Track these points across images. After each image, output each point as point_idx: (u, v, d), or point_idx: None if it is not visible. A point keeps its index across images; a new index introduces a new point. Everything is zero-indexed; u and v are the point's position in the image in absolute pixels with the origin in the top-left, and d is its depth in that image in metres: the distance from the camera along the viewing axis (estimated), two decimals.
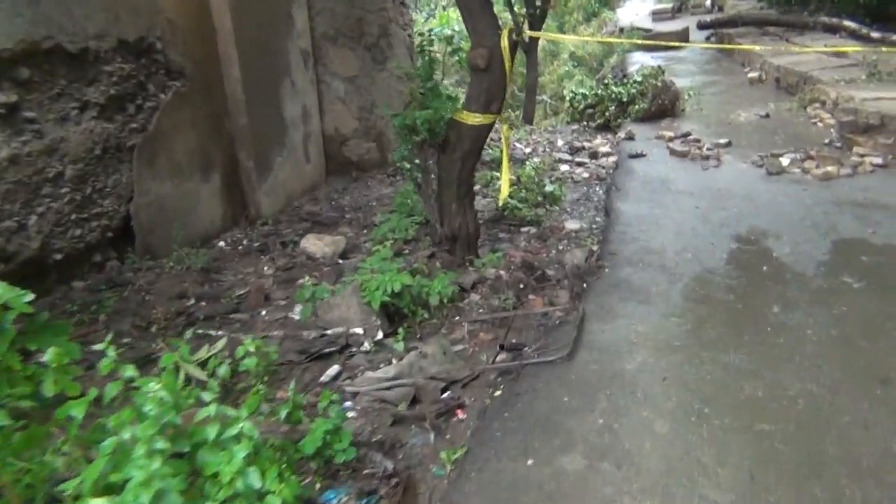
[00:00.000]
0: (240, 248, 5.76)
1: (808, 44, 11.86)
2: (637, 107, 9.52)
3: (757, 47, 10.75)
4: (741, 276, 4.52)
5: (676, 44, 14.13)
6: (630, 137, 8.68)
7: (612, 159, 7.99)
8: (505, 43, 4.52)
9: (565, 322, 4.06)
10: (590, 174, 7.55)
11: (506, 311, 4.32)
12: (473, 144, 4.86)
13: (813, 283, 4.32)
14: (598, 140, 9.11)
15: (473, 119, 4.72)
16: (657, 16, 20.37)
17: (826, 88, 8.50)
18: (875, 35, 11.44)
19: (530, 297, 4.59)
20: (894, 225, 5.12)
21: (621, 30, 18.29)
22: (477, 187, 7.25)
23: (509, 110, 13.06)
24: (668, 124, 9.19)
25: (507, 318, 4.19)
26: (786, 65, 10.29)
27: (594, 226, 5.87)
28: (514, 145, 9.30)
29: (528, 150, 9.02)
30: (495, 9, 4.87)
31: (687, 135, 8.36)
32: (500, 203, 5.37)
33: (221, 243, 5.88)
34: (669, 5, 21.49)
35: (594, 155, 8.25)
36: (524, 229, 5.97)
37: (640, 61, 13.98)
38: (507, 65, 4.60)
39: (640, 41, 13.00)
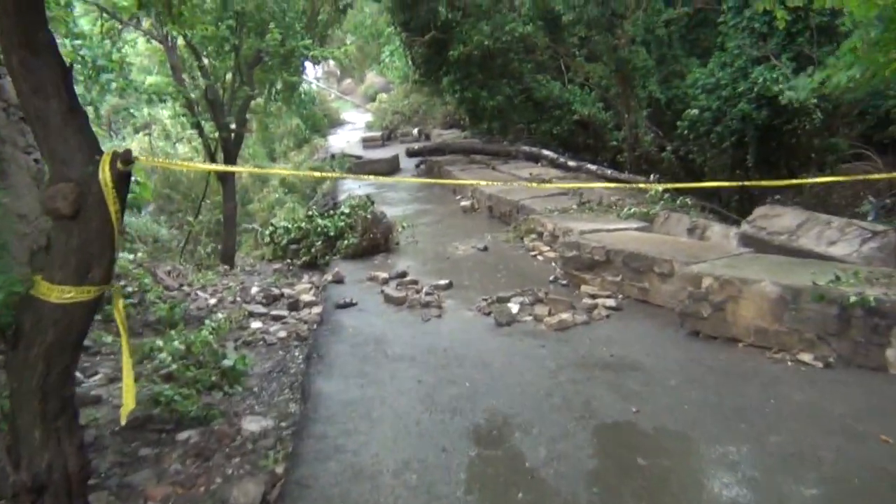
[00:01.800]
0: None
1: (513, 171, 11.84)
2: (347, 242, 8.22)
3: (483, 182, 10.33)
4: None
5: (391, 179, 13.47)
6: (339, 280, 7.22)
7: (316, 310, 6.41)
8: (107, 175, 2.76)
9: None
10: (288, 332, 5.84)
11: None
12: (63, 334, 2.91)
13: None
14: (303, 283, 7.51)
15: (60, 295, 2.81)
16: (367, 143, 20.36)
17: (541, 219, 7.98)
18: (571, 164, 11.80)
19: None
20: (656, 396, 4.09)
21: (333, 156, 17.74)
22: (138, 357, 5.13)
23: (200, 247, 11.07)
24: (381, 261, 7.96)
25: None
26: (497, 193, 9.86)
27: (285, 423, 4.10)
28: (197, 294, 7.30)
29: (213, 300, 7.05)
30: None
31: (403, 275, 7.12)
32: (123, 420, 3.37)
33: None
34: (379, 133, 21.66)
35: (295, 305, 6.59)
36: (183, 436, 4.00)
37: (352, 188, 13.10)
38: (112, 208, 2.81)
39: (346, 176, 12.08)
